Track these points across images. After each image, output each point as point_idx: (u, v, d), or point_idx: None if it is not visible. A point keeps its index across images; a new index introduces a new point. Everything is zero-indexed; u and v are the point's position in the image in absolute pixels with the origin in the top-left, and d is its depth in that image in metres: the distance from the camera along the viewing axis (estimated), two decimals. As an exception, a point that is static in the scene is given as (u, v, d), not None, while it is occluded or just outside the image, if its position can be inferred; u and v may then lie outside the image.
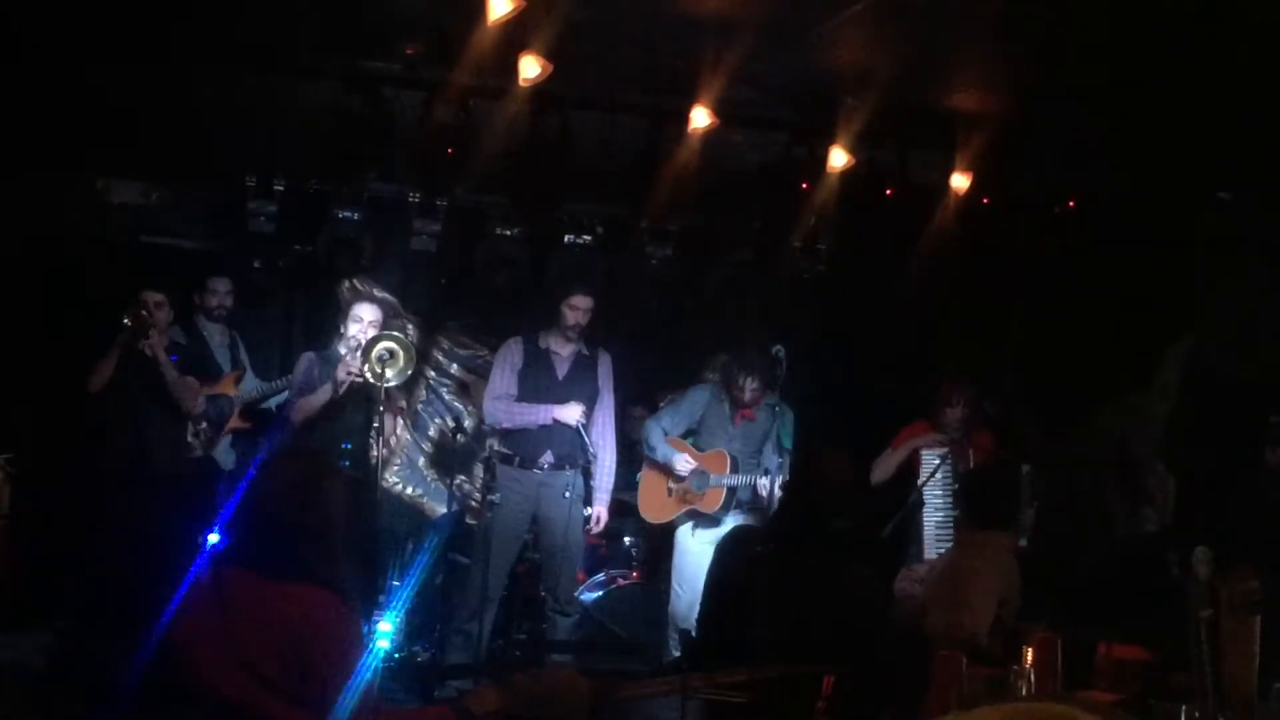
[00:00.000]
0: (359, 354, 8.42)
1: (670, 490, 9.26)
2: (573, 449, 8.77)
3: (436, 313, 11.21)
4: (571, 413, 8.67)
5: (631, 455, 10.40)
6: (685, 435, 9.37)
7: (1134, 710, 4.67)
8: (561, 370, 8.88)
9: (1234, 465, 8.39)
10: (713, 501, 9.03)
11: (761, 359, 9.05)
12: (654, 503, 9.38)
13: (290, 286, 10.75)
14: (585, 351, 8.98)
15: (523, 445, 8.79)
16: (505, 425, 8.86)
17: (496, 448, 8.97)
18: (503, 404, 8.83)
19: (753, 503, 8.92)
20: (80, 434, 8.88)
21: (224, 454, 9.51)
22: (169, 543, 8.59)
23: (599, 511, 9.04)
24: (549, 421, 8.71)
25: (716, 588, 5.64)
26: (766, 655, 4.82)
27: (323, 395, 8.52)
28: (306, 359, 8.91)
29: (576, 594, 9.21)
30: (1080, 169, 9.47)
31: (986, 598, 6.26)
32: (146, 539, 8.51)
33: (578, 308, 8.84)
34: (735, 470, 9.00)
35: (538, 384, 8.83)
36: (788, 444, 9.06)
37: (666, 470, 9.23)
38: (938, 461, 9.04)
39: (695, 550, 8.90)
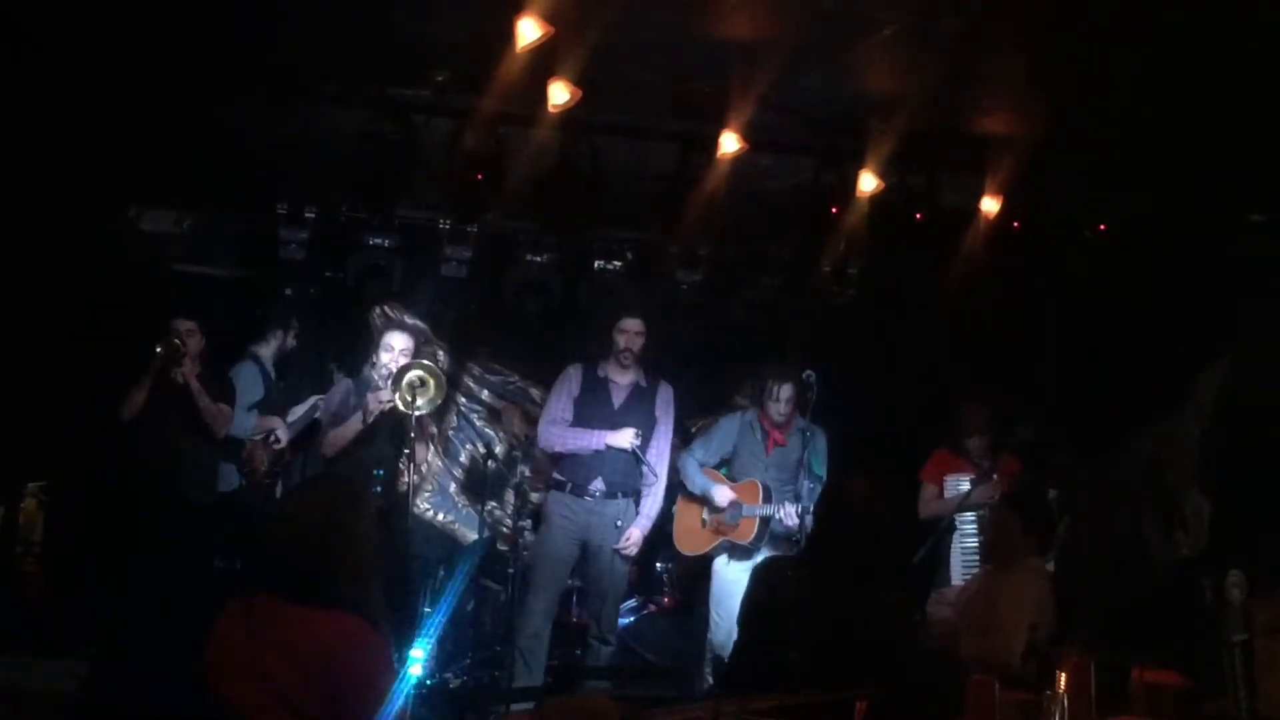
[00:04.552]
0: (390, 382, 8.43)
1: (704, 522, 9.21)
2: (625, 477, 8.72)
3: (467, 339, 11.21)
4: (623, 437, 8.62)
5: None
6: (718, 466, 9.34)
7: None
8: (618, 399, 8.84)
9: (1268, 489, 8.34)
10: (746, 532, 8.98)
11: (793, 372, 9.05)
12: (689, 535, 9.33)
13: (321, 313, 10.77)
14: (643, 383, 8.92)
15: (575, 472, 8.73)
16: (557, 449, 8.83)
17: (553, 475, 8.95)
18: (557, 428, 8.80)
19: (786, 533, 8.86)
20: (113, 462, 8.90)
21: None
22: (201, 570, 8.66)
23: (634, 533, 8.85)
24: (601, 447, 8.65)
25: (749, 614, 5.62)
26: (798, 681, 4.81)
27: (354, 425, 8.52)
28: (344, 386, 8.90)
29: (611, 621, 9.16)
30: (1111, 192, 9.44)
31: (1019, 622, 6.24)
32: (179, 566, 8.54)
33: (627, 330, 8.80)
34: (768, 500, 8.96)
35: (593, 412, 8.78)
36: (819, 470, 9.00)
37: (703, 502, 9.20)
38: (966, 488, 9.03)
39: (733, 579, 8.82)
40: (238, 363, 9.76)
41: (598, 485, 8.70)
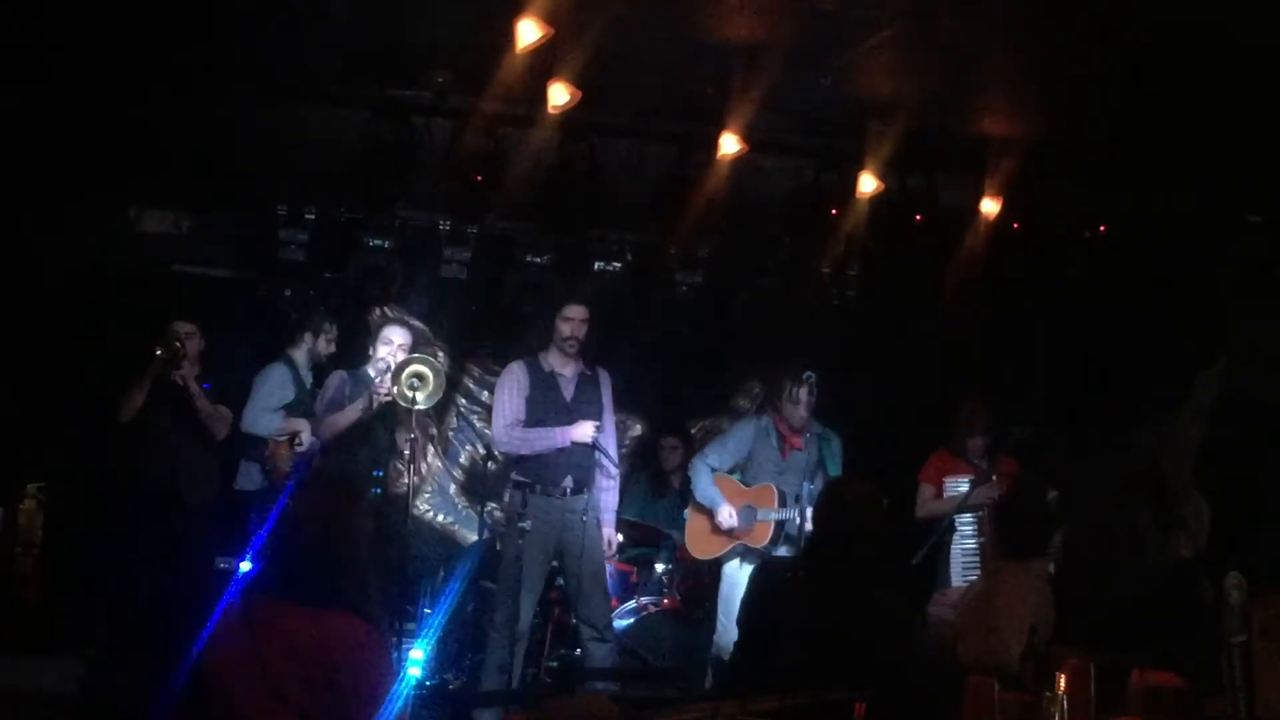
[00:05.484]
0: (389, 376, 8.43)
1: (718, 527, 9.19)
2: (587, 471, 8.60)
3: (467, 340, 11.19)
4: (584, 431, 8.48)
5: (664, 485, 10.42)
6: (732, 470, 9.29)
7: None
8: (568, 392, 8.67)
9: (1267, 490, 8.34)
10: (761, 536, 8.95)
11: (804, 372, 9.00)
12: (702, 539, 9.26)
13: (321, 315, 10.73)
14: (587, 371, 8.77)
15: (541, 471, 8.55)
16: (522, 451, 8.62)
17: (515, 476, 8.74)
18: (517, 431, 8.57)
19: (796, 534, 8.81)
20: (111, 463, 8.90)
21: None
22: (199, 571, 8.65)
23: (610, 534, 8.82)
24: (566, 444, 8.51)
25: (748, 615, 5.62)
26: (797, 682, 4.81)
27: (352, 413, 8.50)
28: (338, 377, 8.88)
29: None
30: (1110, 193, 9.44)
31: (1019, 624, 6.23)
32: (177, 567, 8.54)
33: (571, 318, 8.57)
34: (783, 504, 8.91)
35: (547, 408, 8.61)
36: (835, 472, 8.95)
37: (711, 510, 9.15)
38: (965, 489, 9.02)
39: (744, 583, 8.74)
40: (270, 363, 9.68)
41: (567, 483, 8.54)
